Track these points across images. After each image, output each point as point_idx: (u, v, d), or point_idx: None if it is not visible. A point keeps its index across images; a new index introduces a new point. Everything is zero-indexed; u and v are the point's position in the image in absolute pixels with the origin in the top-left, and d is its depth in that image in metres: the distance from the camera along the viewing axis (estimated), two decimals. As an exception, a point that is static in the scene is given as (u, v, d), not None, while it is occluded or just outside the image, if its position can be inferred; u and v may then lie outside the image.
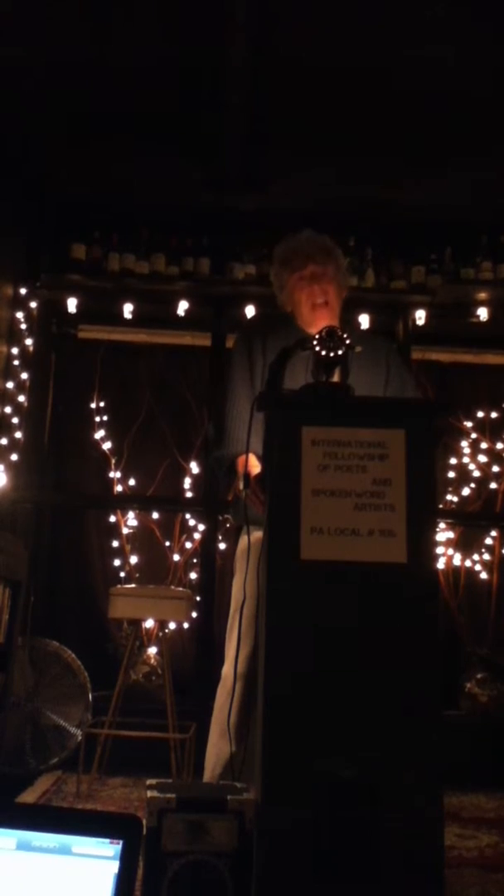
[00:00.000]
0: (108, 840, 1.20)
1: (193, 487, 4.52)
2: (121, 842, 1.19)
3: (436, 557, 1.77)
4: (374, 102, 3.61)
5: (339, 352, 1.85)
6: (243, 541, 2.29)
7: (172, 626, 4.03)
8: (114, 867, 1.21)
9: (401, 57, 3.34)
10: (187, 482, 4.53)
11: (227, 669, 2.21)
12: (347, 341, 1.86)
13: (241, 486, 2.02)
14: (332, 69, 3.43)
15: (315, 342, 1.87)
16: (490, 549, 4.47)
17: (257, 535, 2.08)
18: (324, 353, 1.86)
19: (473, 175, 4.06)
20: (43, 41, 3.36)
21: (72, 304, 4.31)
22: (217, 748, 2.19)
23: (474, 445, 4.61)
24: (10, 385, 4.15)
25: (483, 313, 4.27)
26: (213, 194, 4.24)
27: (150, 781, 1.76)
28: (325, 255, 2.37)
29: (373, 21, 3.15)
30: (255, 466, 2.05)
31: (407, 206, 4.28)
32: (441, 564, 4.32)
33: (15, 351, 4.20)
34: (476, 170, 4.01)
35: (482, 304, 4.26)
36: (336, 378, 1.88)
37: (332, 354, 1.85)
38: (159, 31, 3.26)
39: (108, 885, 1.20)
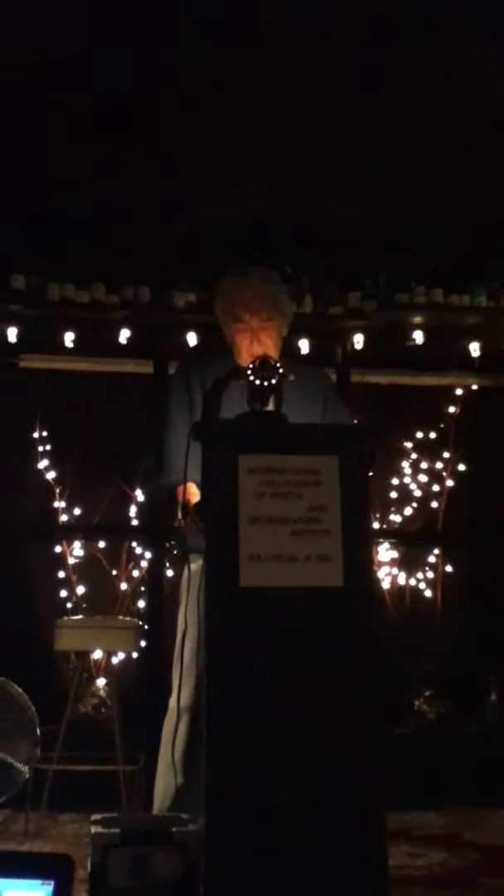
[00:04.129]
0: (39, 881, 1.19)
1: (139, 515, 4.50)
2: (52, 882, 1.18)
3: (373, 580, 1.81)
4: (298, 116, 3.64)
5: (273, 380, 1.89)
6: (186, 570, 2.30)
7: (121, 656, 3.99)
8: (46, 908, 1.20)
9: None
10: (132, 510, 4.51)
11: (173, 701, 2.20)
12: (280, 370, 1.90)
13: (179, 515, 2.03)
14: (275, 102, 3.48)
15: (249, 371, 1.91)
16: (433, 566, 4.55)
17: (199, 563, 2.09)
18: (257, 382, 1.89)
19: (406, 197, 4.13)
20: None
21: (12, 334, 4.28)
22: (165, 781, 2.18)
23: (415, 465, 4.70)
24: None
25: (419, 336, 4.36)
26: (150, 221, 4.26)
27: (94, 816, 1.75)
28: (270, 309, 2.33)
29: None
30: (194, 495, 2.06)
31: (341, 230, 4.35)
32: (386, 584, 4.37)
33: (-46, 382, 4.15)
34: (409, 191, 4.09)
35: (417, 327, 4.34)
36: (270, 406, 1.91)
37: (265, 383, 1.89)
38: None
39: (41, 926, 1.19)
